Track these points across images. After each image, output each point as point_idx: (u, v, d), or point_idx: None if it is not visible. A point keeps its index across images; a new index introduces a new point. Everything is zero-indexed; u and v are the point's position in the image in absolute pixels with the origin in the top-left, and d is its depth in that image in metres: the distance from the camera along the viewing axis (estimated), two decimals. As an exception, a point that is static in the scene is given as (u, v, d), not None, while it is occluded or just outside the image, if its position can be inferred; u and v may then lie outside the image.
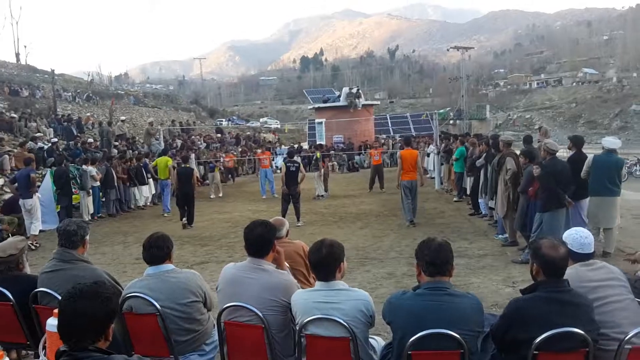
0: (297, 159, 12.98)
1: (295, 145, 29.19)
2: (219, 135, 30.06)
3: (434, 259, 2.73)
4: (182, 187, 11.72)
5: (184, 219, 11.71)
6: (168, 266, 3.45)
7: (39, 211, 10.64)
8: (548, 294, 2.72)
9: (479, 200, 10.76)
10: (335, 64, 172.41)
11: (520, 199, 7.58)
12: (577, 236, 3.16)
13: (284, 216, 10.95)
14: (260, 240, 3.27)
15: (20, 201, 10.52)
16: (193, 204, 11.90)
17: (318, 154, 17.28)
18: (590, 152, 7.99)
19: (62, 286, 3.48)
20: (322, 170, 16.24)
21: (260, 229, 3.30)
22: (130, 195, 15.06)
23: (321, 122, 28.67)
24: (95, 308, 1.99)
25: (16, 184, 10.86)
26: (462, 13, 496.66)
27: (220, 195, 17.44)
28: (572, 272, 2.96)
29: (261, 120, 71.39)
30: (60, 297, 3.40)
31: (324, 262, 2.92)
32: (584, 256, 3.12)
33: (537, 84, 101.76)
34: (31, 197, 10.36)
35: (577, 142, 7.93)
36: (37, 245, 10.02)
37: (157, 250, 3.43)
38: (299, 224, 10.99)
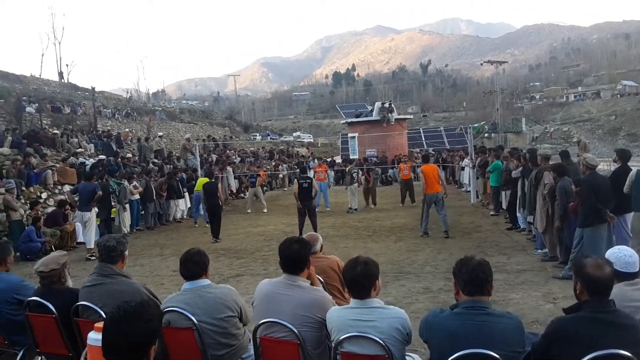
0: (310, 174, 13.09)
1: (329, 160, 29.28)
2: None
3: (473, 278, 2.67)
4: (208, 200, 12.04)
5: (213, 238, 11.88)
6: (204, 281, 3.49)
7: (94, 224, 11.13)
8: (592, 314, 2.62)
9: (517, 215, 10.57)
10: (367, 79, 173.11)
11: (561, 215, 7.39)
12: (621, 255, 3.09)
13: (301, 230, 11.20)
14: (295, 257, 3.28)
15: (78, 213, 11.19)
16: (219, 218, 12.00)
17: (348, 168, 17.28)
18: (633, 165, 7.76)
19: (102, 300, 3.56)
20: (364, 183, 16.36)
21: (295, 246, 3.30)
22: (170, 208, 15.41)
23: (354, 137, 28.70)
24: (138, 330, 2.02)
25: (77, 195, 11.44)
26: (495, 28, 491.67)
27: (265, 210, 16.78)
28: (617, 291, 2.85)
29: (294, 134, 71.93)
30: (100, 311, 3.50)
31: (359, 280, 2.90)
32: (628, 275, 3.03)
33: (575, 96, 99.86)
34: (89, 211, 10.88)
35: (623, 156, 7.72)
36: (95, 257, 10.13)
37: (193, 266, 3.47)
38: None
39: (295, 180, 11.90)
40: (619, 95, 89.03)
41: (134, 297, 3.60)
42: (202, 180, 13.81)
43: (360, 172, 17.34)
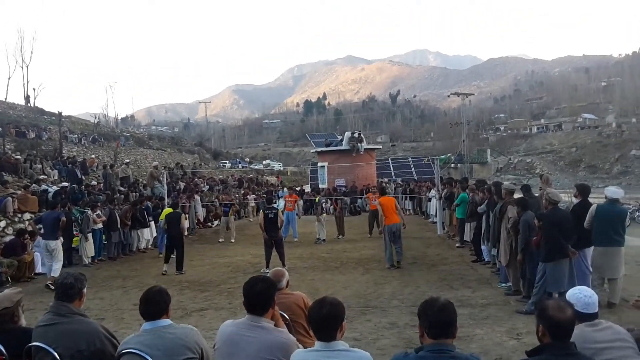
0: (275, 205, 13.14)
1: (297, 188, 29.27)
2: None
3: (437, 321, 2.67)
4: (170, 230, 11.84)
5: (165, 266, 11.59)
6: (165, 321, 3.38)
7: (61, 253, 10.85)
8: (554, 358, 2.64)
9: (482, 247, 10.70)
10: (338, 108, 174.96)
11: (522, 248, 7.53)
12: (581, 295, 3.11)
13: (268, 261, 11.18)
14: (260, 298, 3.22)
15: (41, 242, 10.89)
16: (182, 248, 11.78)
17: (317, 199, 17.27)
18: (593, 198, 7.97)
19: (56, 340, 3.42)
20: (333, 212, 16.33)
21: (260, 286, 3.24)
22: (133, 238, 15.01)
23: (324, 166, 28.83)
24: None
25: (40, 225, 11.17)
26: (462, 60, 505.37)
27: (232, 240, 16.80)
28: (578, 333, 2.88)
29: (264, 162, 71.85)
30: (54, 352, 3.35)
31: (325, 322, 2.86)
32: (588, 316, 3.05)
33: (537, 128, 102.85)
34: (56, 240, 10.63)
35: (583, 191, 7.89)
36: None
37: (154, 305, 3.36)
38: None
39: (261, 210, 11.82)
40: (579, 128, 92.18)
41: (90, 338, 3.50)
42: (167, 211, 13.60)
43: (329, 202, 17.37)
